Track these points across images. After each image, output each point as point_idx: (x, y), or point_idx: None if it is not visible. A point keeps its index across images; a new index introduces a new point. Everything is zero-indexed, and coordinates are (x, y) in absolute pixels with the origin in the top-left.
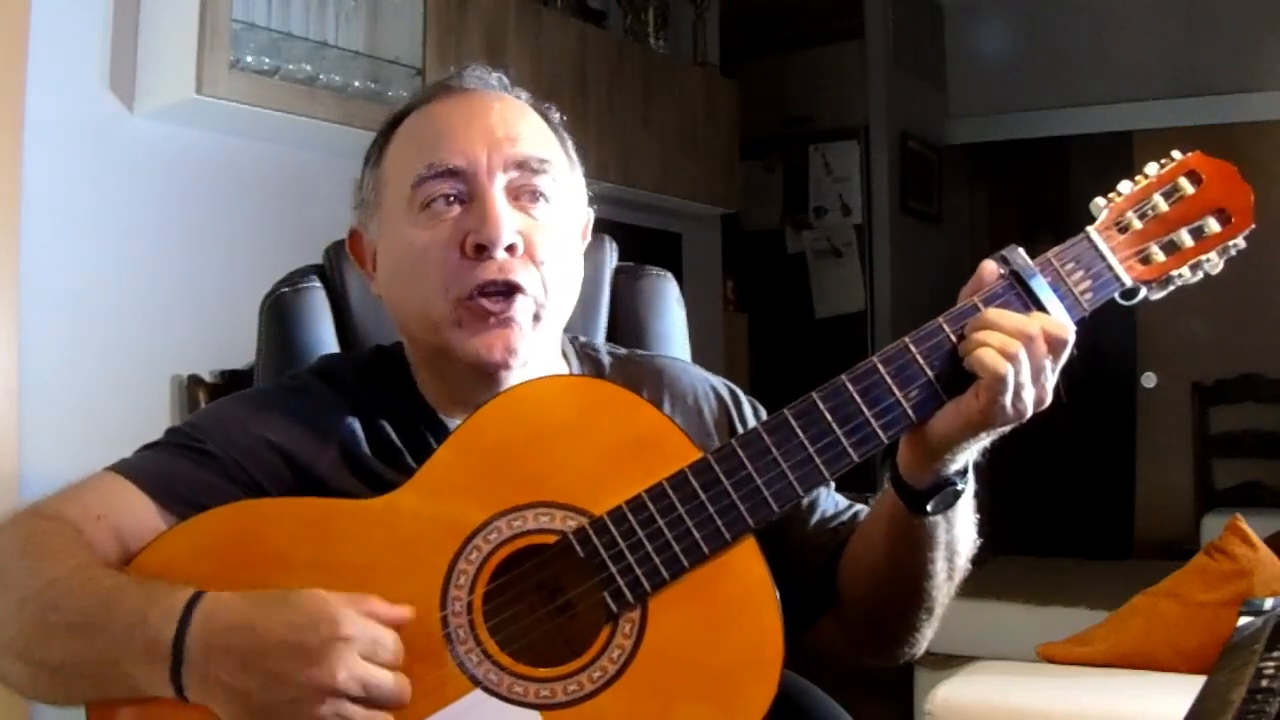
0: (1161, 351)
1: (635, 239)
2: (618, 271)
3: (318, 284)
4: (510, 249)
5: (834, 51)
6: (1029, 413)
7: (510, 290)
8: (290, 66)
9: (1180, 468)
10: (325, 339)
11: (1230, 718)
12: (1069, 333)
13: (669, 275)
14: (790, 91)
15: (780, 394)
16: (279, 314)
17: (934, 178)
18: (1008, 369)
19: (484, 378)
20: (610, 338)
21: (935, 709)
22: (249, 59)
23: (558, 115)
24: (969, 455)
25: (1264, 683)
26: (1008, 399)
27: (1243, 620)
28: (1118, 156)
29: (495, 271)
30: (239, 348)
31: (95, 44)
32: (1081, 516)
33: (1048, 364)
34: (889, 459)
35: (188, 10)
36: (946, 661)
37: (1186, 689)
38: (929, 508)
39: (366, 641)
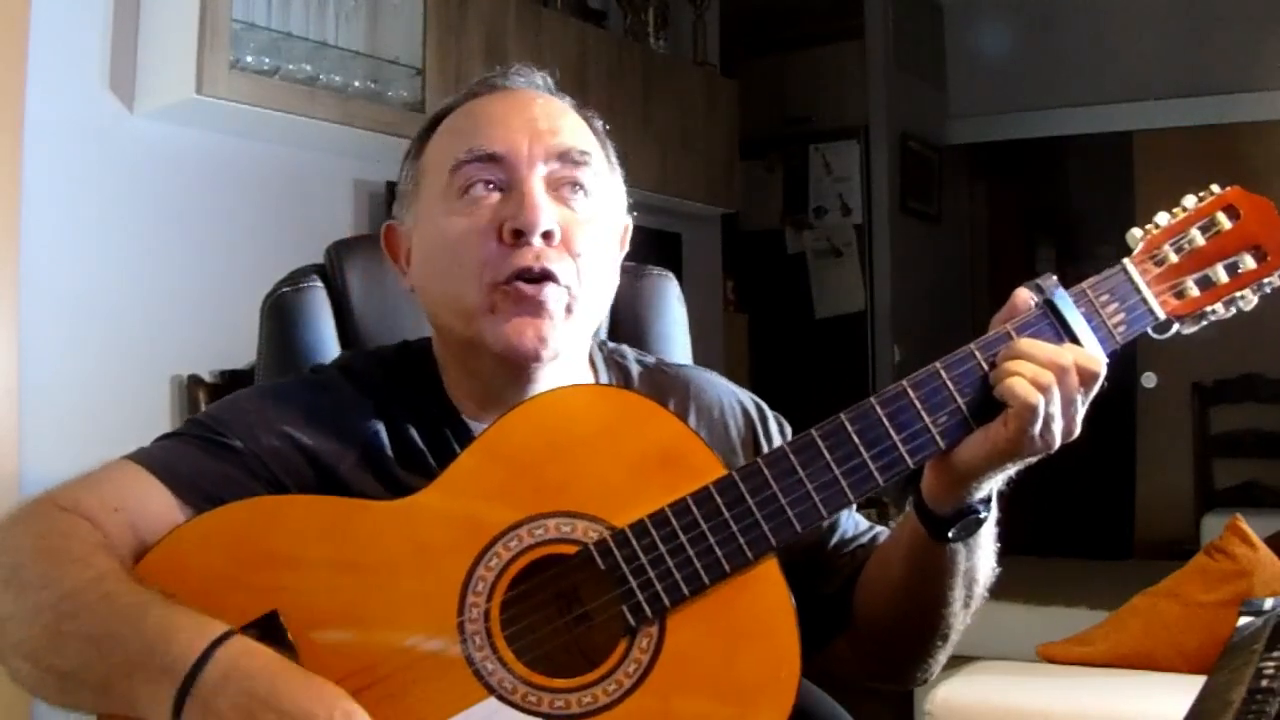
0: (1161, 351)
1: (635, 239)
2: None
3: (318, 284)
4: (547, 236)
5: (834, 51)
6: (1057, 444)
7: (544, 277)
8: (290, 66)
9: (1180, 468)
10: (326, 339)
11: (1230, 718)
12: (1101, 366)
13: (669, 275)
14: (790, 91)
15: (781, 394)
16: (279, 314)
17: (934, 178)
18: (1039, 399)
19: (514, 371)
20: (611, 338)
21: (935, 709)
22: (249, 59)
23: (600, 122)
24: (994, 484)
25: (1264, 683)
26: (1037, 430)
27: (1243, 620)
28: (1118, 156)
29: (531, 259)
30: (239, 348)
31: (95, 44)
32: (1081, 516)
33: (1079, 397)
34: (912, 484)
35: (188, 10)
36: (947, 661)
37: (1186, 689)
38: (950, 535)
39: None
